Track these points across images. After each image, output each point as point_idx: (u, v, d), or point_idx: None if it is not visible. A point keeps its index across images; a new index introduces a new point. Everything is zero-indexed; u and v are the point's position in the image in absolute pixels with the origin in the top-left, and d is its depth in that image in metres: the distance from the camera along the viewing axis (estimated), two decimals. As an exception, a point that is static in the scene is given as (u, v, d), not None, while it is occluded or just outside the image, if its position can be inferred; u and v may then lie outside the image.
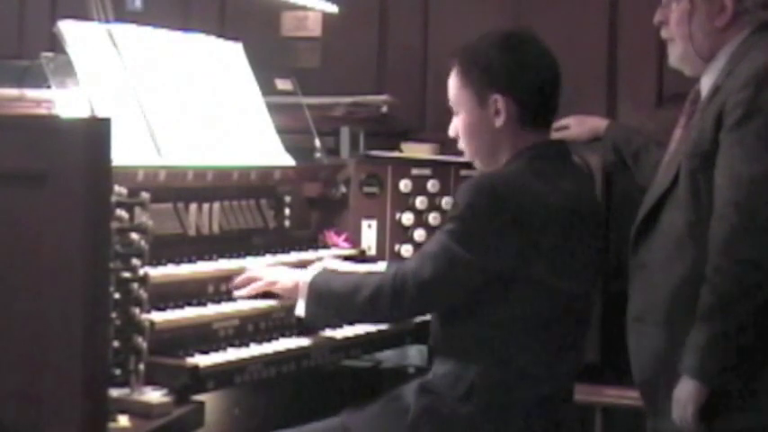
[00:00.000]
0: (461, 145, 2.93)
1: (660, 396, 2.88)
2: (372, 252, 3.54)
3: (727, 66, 2.90)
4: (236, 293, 2.97)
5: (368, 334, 3.12)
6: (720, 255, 2.73)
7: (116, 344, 2.40)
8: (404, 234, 3.56)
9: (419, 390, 2.79)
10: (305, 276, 2.93)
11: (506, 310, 2.72)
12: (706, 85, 2.96)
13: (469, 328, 2.75)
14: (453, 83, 2.91)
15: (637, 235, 2.98)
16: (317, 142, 3.62)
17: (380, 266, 3.23)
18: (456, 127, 2.92)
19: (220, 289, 2.98)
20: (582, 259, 2.82)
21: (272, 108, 3.50)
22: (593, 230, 2.89)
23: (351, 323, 3.04)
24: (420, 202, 3.56)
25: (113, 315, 2.37)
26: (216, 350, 2.72)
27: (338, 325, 3.06)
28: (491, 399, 2.73)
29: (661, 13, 3.05)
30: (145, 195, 2.53)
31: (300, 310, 2.91)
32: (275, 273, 3.00)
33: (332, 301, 2.87)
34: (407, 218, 3.56)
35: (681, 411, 2.79)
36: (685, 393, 2.78)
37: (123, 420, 2.36)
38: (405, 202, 3.57)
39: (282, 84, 3.71)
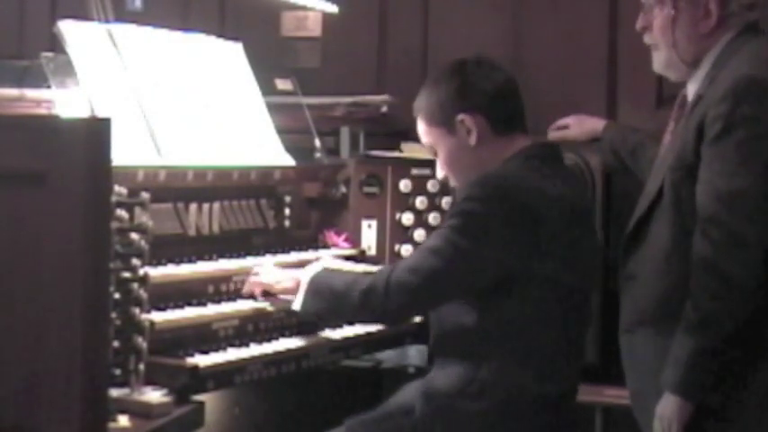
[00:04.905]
0: (452, 182, 2.97)
1: (651, 408, 2.83)
2: (372, 252, 3.53)
3: (710, 72, 2.84)
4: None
5: (368, 334, 3.12)
6: (702, 271, 2.70)
7: (116, 344, 2.41)
8: (404, 234, 3.55)
9: (424, 397, 2.78)
10: (306, 274, 2.94)
11: (515, 307, 2.73)
12: (691, 91, 2.90)
13: (480, 326, 2.75)
14: (421, 129, 2.96)
15: (626, 246, 2.94)
16: (317, 142, 3.62)
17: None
18: (440, 167, 2.96)
19: (220, 289, 2.99)
20: (582, 255, 2.82)
21: (272, 108, 3.49)
22: (589, 228, 2.93)
23: (345, 320, 3.04)
24: (420, 202, 3.56)
25: (113, 315, 2.37)
26: (216, 350, 2.73)
27: (336, 323, 3.06)
28: (504, 397, 2.73)
29: (643, 18, 2.97)
30: (145, 195, 2.53)
31: (297, 304, 2.91)
32: (277, 274, 3.01)
33: (327, 296, 2.86)
34: (407, 218, 3.55)
35: (666, 428, 2.76)
36: (669, 410, 2.75)
37: (123, 420, 2.37)
38: (405, 202, 3.57)
39: (282, 84, 3.71)
